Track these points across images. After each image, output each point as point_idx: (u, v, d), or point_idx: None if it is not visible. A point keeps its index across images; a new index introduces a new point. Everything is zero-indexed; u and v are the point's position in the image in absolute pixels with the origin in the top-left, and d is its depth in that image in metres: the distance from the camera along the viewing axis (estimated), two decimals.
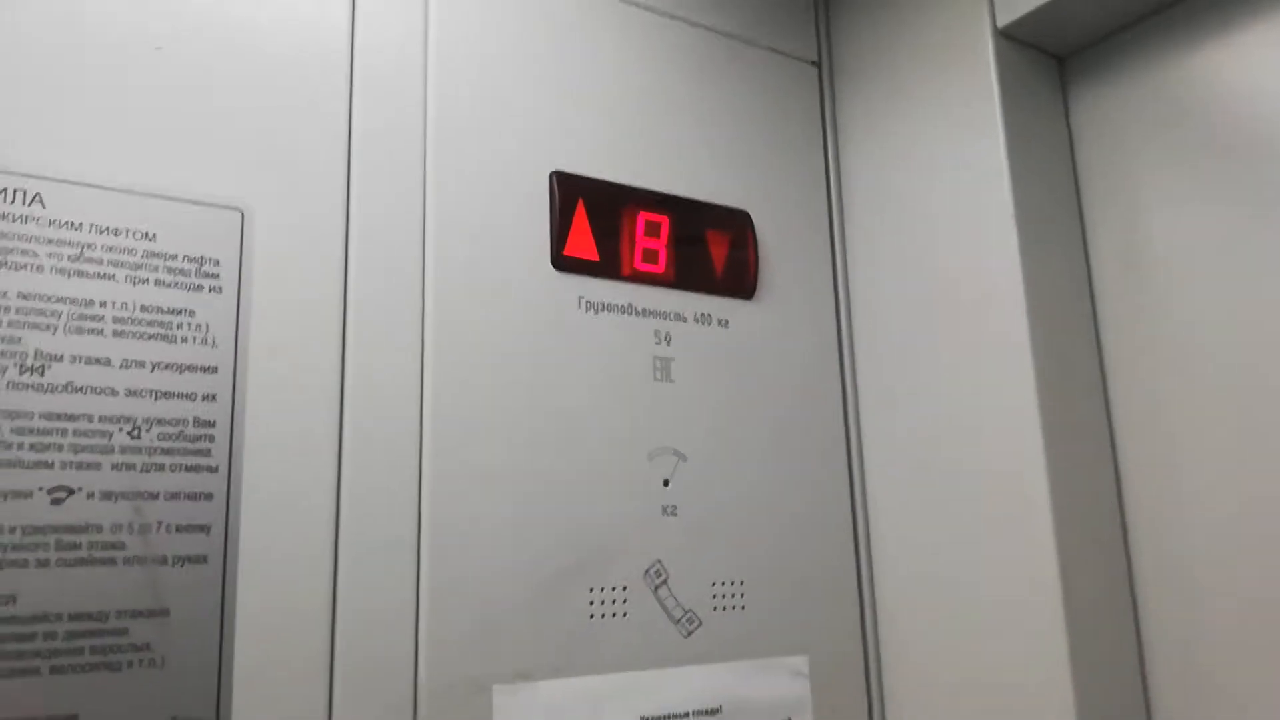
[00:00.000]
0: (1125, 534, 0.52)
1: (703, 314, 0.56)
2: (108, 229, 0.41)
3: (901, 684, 0.56)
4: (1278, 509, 0.46)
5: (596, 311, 0.52)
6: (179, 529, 0.40)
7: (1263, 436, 0.46)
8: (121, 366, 0.40)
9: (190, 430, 0.41)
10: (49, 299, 0.39)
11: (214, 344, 0.42)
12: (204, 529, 0.41)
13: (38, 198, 0.40)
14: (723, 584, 0.53)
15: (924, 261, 0.57)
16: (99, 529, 0.39)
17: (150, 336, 0.41)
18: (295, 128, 0.46)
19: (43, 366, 0.39)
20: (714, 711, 0.51)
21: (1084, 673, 0.47)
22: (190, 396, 0.41)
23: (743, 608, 0.53)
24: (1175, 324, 0.51)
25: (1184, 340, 0.50)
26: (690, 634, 0.51)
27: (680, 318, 0.55)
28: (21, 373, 0.38)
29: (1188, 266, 0.50)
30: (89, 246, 0.41)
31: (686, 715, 0.50)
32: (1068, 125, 0.57)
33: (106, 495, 0.39)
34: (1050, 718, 0.47)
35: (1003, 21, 0.54)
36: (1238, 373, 0.48)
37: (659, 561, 0.51)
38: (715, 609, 0.52)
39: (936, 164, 0.57)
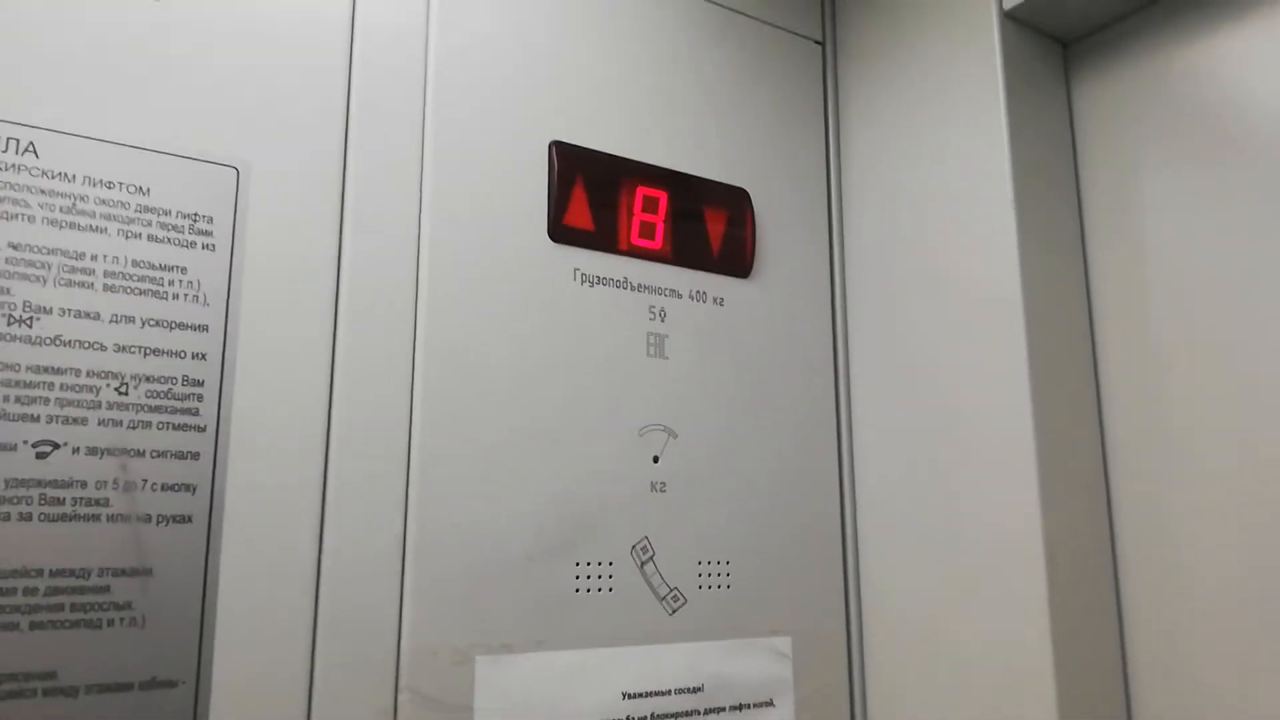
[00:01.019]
0: (1109, 498, 0.52)
1: (698, 291, 0.55)
2: (101, 181, 0.41)
3: (884, 668, 0.56)
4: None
5: (592, 284, 0.52)
6: (165, 488, 0.40)
7: (1264, 434, 0.47)
8: (111, 321, 0.40)
9: (179, 388, 0.41)
10: (39, 250, 0.39)
11: (205, 302, 0.42)
12: (190, 488, 0.40)
13: (31, 147, 0.39)
14: (709, 563, 0.53)
15: (922, 244, 0.57)
16: (83, 485, 0.38)
17: (141, 292, 0.41)
18: (294, 87, 0.45)
19: (31, 319, 0.38)
20: (696, 690, 0.51)
21: (1065, 652, 0.47)
22: (180, 354, 0.41)
23: (728, 587, 0.53)
24: (1172, 314, 0.51)
25: (1180, 331, 0.50)
26: (675, 611, 0.51)
27: (676, 294, 0.55)
28: (9, 324, 0.38)
29: (1187, 256, 0.50)
30: (81, 198, 0.40)
31: (669, 693, 0.50)
32: (1070, 111, 0.57)
33: (92, 451, 0.39)
34: (1032, 697, 0.48)
35: (1009, 3, 0.54)
36: (1236, 364, 0.48)
37: (646, 538, 0.51)
38: (701, 587, 0.52)
39: (937, 146, 0.56)
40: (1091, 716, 0.48)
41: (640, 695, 0.49)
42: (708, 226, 0.57)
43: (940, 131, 0.56)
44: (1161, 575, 0.50)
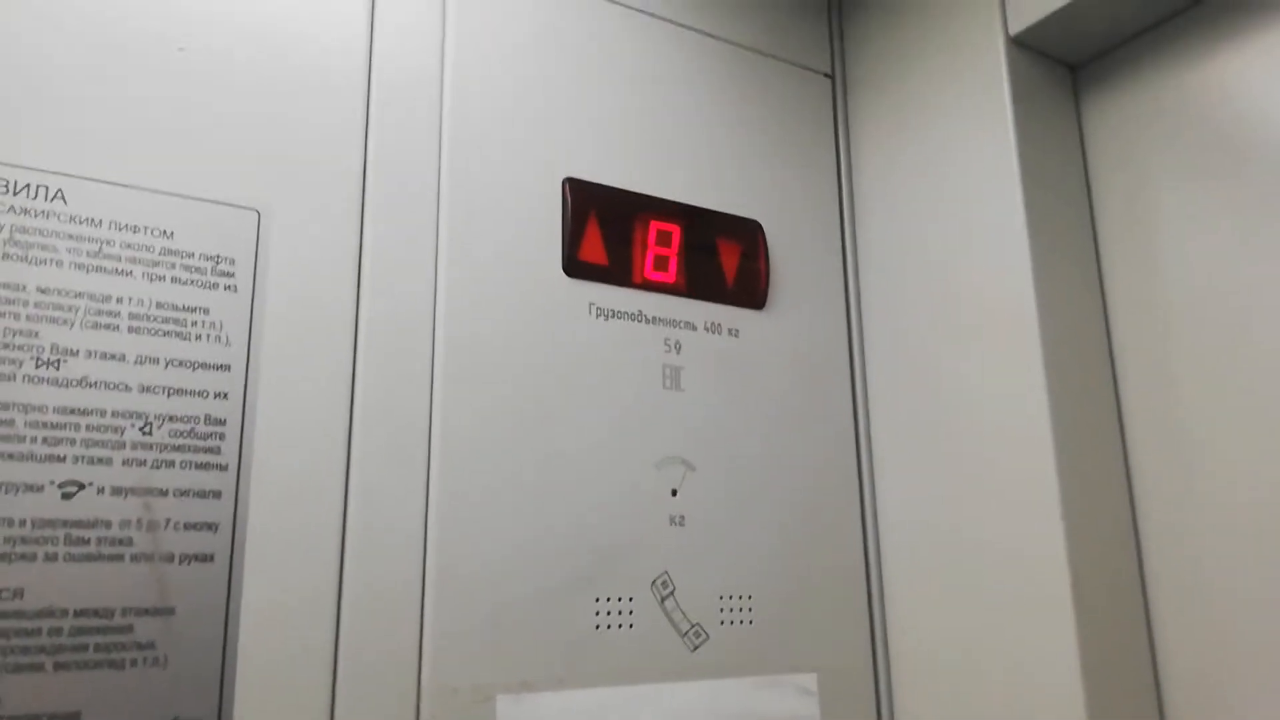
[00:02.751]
0: (1136, 529, 0.51)
1: (713, 323, 0.56)
2: (126, 226, 0.42)
3: (912, 704, 0.55)
4: None
5: (607, 318, 0.52)
6: (187, 526, 0.40)
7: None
8: (136, 362, 0.41)
9: (201, 428, 0.41)
10: (67, 294, 0.40)
11: (227, 342, 0.43)
12: (212, 527, 0.41)
13: (59, 194, 0.40)
14: (731, 597, 0.52)
15: (935, 272, 0.57)
16: (108, 525, 0.39)
17: (165, 333, 0.41)
18: (313, 131, 0.46)
19: (59, 361, 0.39)
20: None
21: (1095, 684, 0.46)
22: (203, 394, 0.42)
23: (751, 622, 0.53)
24: (1189, 336, 0.50)
25: (1198, 352, 0.50)
26: (697, 648, 0.51)
27: (690, 326, 0.55)
28: (38, 366, 0.39)
29: (1201, 276, 0.50)
30: (108, 243, 0.41)
31: None
32: (1080, 134, 0.57)
33: (117, 491, 0.39)
34: None
35: (1015, 29, 0.54)
36: (1253, 382, 0.47)
37: (666, 572, 0.51)
38: (723, 623, 0.52)
39: (948, 174, 0.57)
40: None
41: None
42: (721, 259, 0.57)
43: (951, 158, 0.57)
44: (1190, 596, 0.49)
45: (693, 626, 0.51)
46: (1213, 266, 0.50)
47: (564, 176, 0.52)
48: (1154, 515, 0.51)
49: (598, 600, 0.49)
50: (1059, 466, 0.49)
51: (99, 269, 0.41)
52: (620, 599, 0.49)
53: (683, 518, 0.52)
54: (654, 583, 0.50)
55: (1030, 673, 0.49)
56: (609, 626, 0.49)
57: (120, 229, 0.41)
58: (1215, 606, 0.48)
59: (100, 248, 0.41)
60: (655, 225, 0.55)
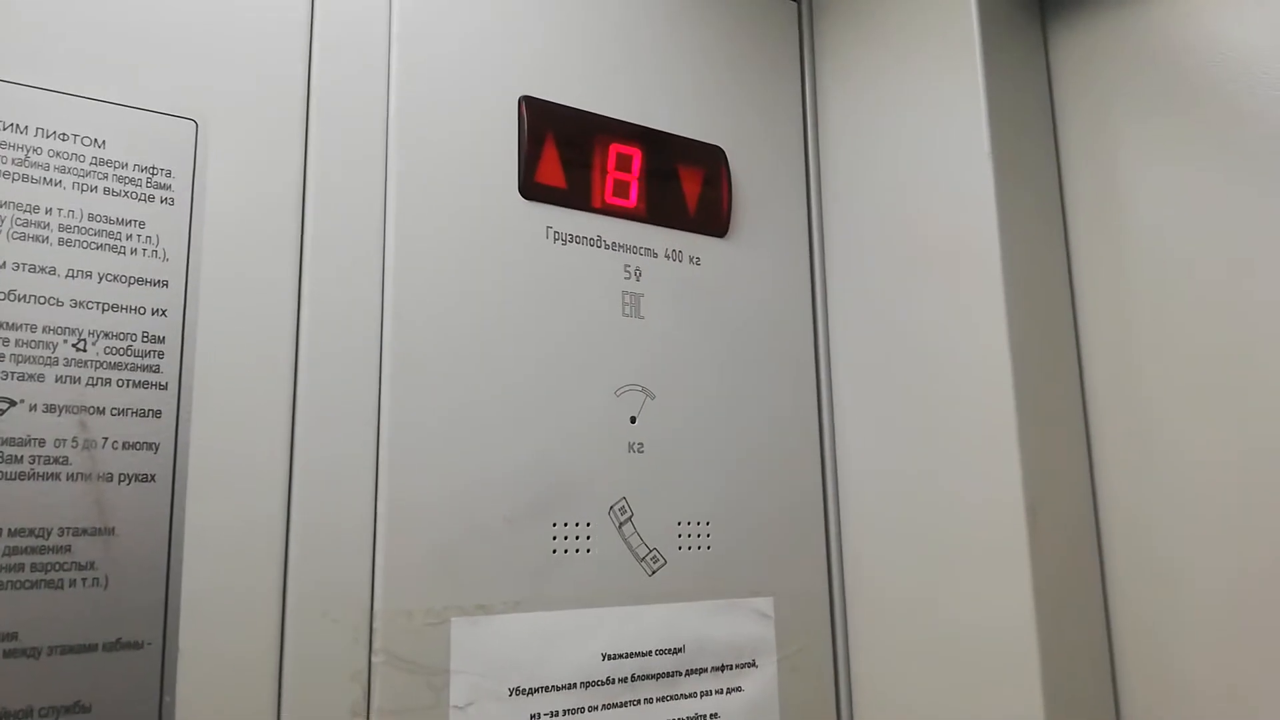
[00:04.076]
0: (1092, 477, 0.52)
1: (674, 250, 0.55)
2: (54, 133, 0.39)
3: (867, 628, 0.56)
4: (1260, 471, 0.45)
5: (565, 243, 0.51)
6: (126, 446, 0.39)
7: (1244, 393, 0.46)
8: (67, 276, 0.39)
9: (139, 345, 0.40)
10: None
11: (165, 257, 0.41)
12: (152, 447, 0.39)
13: None
14: (688, 523, 0.52)
15: (899, 201, 0.56)
16: (41, 443, 0.37)
17: (98, 246, 0.40)
18: (254, 39, 0.44)
19: None
20: (677, 650, 0.50)
21: (1048, 612, 0.47)
22: (139, 310, 0.40)
23: (708, 548, 0.53)
24: (1149, 268, 0.50)
25: (1157, 285, 0.50)
26: (654, 572, 0.51)
27: (651, 253, 0.54)
28: None
29: (1163, 211, 0.50)
30: (34, 150, 0.39)
31: (649, 653, 0.49)
32: (1047, 64, 0.56)
33: (50, 408, 0.38)
34: (1015, 660, 0.47)
35: None
36: (1210, 315, 0.48)
37: (624, 499, 0.50)
38: (681, 548, 0.52)
39: (914, 101, 0.56)
40: (1074, 671, 0.48)
41: (620, 656, 0.48)
42: (683, 185, 0.56)
43: (917, 86, 0.56)
44: (1144, 541, 0.49)
45: (650, 551, 0.51)
46: (1173, 198, 0.50)
47: (520, 95, 0.51)
48: (1111, 460, 0.51)
49: (555, 525, 0.48)
50: (1016, 397, 0.49)
51: (25, 178, 0.39)
52: (578, 524, 0.49)
53: (641, 445, 0.52)
54: (612, 508, 0.50)
55: (982, 597, 0.49)
56: (566, 551, 0.48)
57: (48, 136, 0.39)
58: (1169, 550, 0.48)
59: (27, 155, 0.39)
60: (615, 148, 0.53)
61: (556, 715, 0.46)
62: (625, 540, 0.50)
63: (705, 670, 0.51)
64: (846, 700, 0.55)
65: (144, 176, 0.41)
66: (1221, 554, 0.46)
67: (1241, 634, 0.45)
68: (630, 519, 0.50)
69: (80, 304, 0.39)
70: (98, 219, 0.40)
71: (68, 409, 0.38)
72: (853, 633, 0.56)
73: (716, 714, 0.51)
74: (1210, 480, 0.47)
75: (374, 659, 0.42)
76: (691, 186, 0.56)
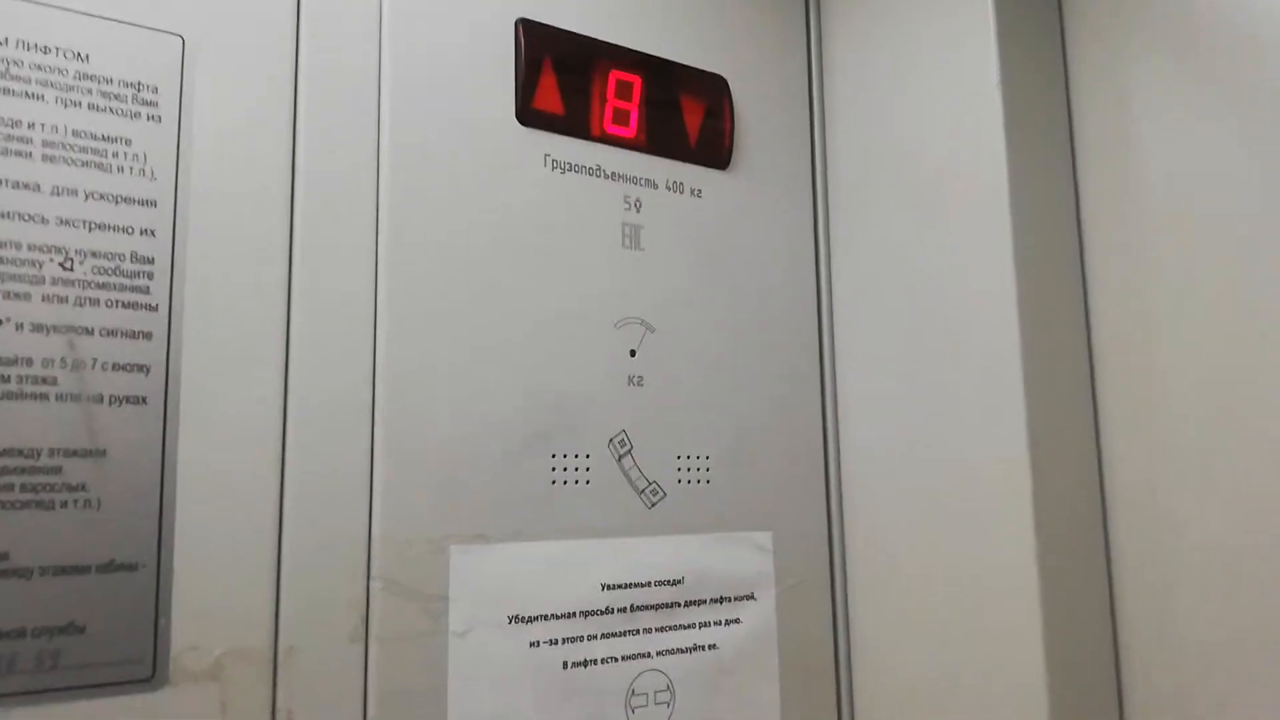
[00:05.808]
0: (1096, 412, 0.51)
1: (675, 182, 0.54)
2: (36, 46, 0.38)
3: (865, 562, 0.55)
4: (1267, 428, 0.45)
5: (564, 171, 0.50)
6: (116, 367, 0.38)
7: (1254, 346, 0.45)
8: (52, 193, 0.38)
9: (128, 265, 0.39)
10: None
11: (153, 176, 0.40)
12: (143, 369, 0.39)
13: None
14: (688, 457, 0.52)
15: (905, 137, 0.55)
16: (29, 362, 0.37)
17: (83, 164, 0.38)
18: None
19: None
20: (676, 582, 0.50)
21: (1050, 562, 0.46)
22: (127, 230, 0.39)
23: (708, 481, 0.52)
24: (1160, 218, 0.49)
25: (1167, 229, 0.49)
26: (654, 505, 0.50)
27: (651, 184, 0.53)
28: None
29: (1175, 153, 0.48)
30: (15, 63, 0.38)
31: (648, 584, 0.49)
32: (1059, 4, 0.55)
33: (37, 328, 0.37)
34: (1014, 603, 0.47)
35: None
36: (1223, 258, 0.46)
37: (624, 431, 0.50)
38: (680, 481, 0.51)
39: (922, 36, 0.54)
40: (1073, 613, 0.47)
41: (619, 586, 0.48)
42: (684, 115, 0.54)
43: (925, 20, 0.54)
44: (1149, 508, 0.49)
45: (650, 484, 0.50)
46: (1186, 141, 0.48)
47: (517, 17, 0.49)
48: (1115, 389, 0.50)
49: (554, 457, 0.48)
50: (1021, 334, 0.48)
51: (6, 91, 0.37)
52: (577, 455, 0.48)
53: (641, 378, 0.51)
54: (611, 441, 0.49)
55: (982, 537, 0.49)
56: (565, 483, 0.48)
57: (29, 49, 0.38)
58: (1174, 509, 0.47)
59: (7, 68, 0.38)
60: (615, 75, 0.52)
61: (555, 643, 0.46)
62: (625, 473, 0.50)
63: (704, 602, 0.51)
64: (844, 633, 0.55)
65: (129, 93, 0.40)
66: (1226, 513, 0.45)
67: (1244, 594, 0.44)
68: (630, 452, 0.50)
69: (66, 222, 0.38)
70: (82, 135, 0.39)
71: (55, 329, 0.37)
72: (851, 568, 0.56)
73: (715, 644, 0.51)
74: (1217, 437, 0.46)
75: (372, 585, 0.42)
76: (693, 117, 0.55)
